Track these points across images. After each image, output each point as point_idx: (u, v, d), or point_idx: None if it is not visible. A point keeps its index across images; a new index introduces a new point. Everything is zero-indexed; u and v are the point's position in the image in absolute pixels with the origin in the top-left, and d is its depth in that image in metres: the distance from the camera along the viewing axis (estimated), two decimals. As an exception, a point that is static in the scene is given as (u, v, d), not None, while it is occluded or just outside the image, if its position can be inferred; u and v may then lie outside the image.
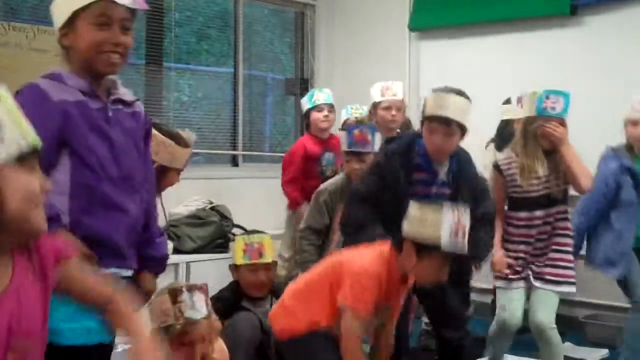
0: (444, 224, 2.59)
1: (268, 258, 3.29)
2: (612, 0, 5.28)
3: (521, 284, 3.70)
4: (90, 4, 2.05)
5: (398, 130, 4.41)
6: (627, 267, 4.05)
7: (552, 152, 3.61)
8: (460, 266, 3.25)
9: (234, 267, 3.40)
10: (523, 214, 3.64)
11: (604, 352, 4.73)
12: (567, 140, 3.60)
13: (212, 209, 5.22)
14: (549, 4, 5.52)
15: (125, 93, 2.23)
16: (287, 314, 2.84)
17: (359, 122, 4.00)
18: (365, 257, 2.77)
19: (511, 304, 3.69)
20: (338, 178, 3.88)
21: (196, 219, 5.12)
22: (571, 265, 3.68)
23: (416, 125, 4.90)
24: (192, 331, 2.43)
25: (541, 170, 3.60)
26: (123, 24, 2.10)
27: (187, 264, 4.64)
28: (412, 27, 6.29)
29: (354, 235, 3.14)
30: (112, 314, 1.66)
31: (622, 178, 4.06)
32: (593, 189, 3.83)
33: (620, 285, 4.16)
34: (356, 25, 6.60)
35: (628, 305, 4.42)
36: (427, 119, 3.23)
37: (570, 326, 4.94)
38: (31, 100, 1.98)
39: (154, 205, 2.38)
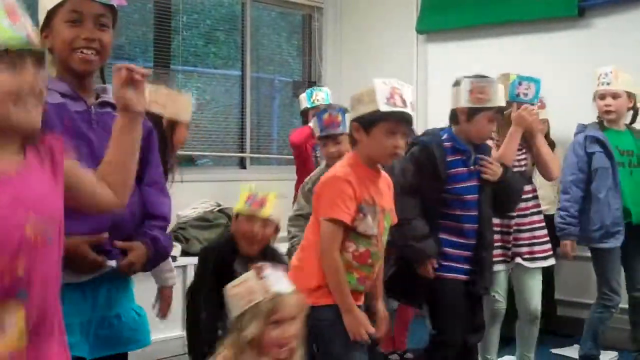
0: (377, 93, 2.65)
1: (268, 212, 3.22)
2: (619, 1, 5.28)
3: (502, 267, 3.81)
4: (62, 2, 2.03)
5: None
6: (623, 235, 4.11)
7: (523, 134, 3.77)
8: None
9: (235, 217, 3.36)
10: None
11: (614, 354, 4.71)
12: (538, 126, 3.84)
13: (220, 211, 5.24)
14: (556, 5, 5.50)
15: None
16: (299, 270, 2.78)
17: (327, 107, 4.14)
18: (329, 172, 2.80)
19: (502, 291, 3.85)
20: (319, 167, 3.97)
21: (204, 222, 5.13)
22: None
23: (421, 126, 4.91)
24: (282, 307, 2.24)
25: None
26: (98, 20, 2.06)
27: (195, 266, 4.65)
28: (420, 30, 6.28)
29: (401, 228, 3.12)
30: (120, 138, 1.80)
31: (591, 147, 4.14)
32: (567, 167, 4.10)
33: (595, 266, 4.22)
34: (363, 27, 6.60)
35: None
36: (490, 110, 3.29)
37: (579, 328, 4.92)
38: None
39: (159, 202, 2.28)
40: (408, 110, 2.70)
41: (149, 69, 5.72)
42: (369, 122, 2.68)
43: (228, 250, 3.28)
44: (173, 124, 3.11)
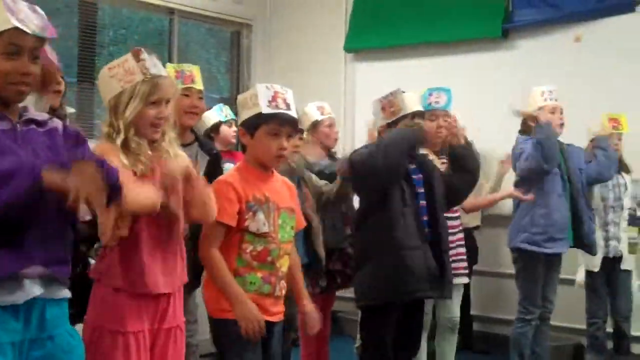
0: (259, 97, 2.73)
1: (200, 85, 3.35)
2: (541, 23, 5.43)
3: None
4: None
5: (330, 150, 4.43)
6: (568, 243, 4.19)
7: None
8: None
9: None
10: None
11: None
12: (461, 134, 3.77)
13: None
14: (481, 27, 5.64)
15: (37, 114, 2.19)
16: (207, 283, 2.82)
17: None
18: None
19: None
20: None
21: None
22: None
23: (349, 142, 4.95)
24: (160, 89, 2.42)
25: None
26: (32, 53, 2.06)
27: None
28: (348, 48, 6.34)
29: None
30: None
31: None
32: (527, 170, 4.12)
33: (521, 275, 4.27)
34: (292, 45, 6.62)
35: (562, 324, 4.50)
36: (404, 118, 3.40)
37: (494, 345, 4.99)
38: None
39: None
40: (291, 113, 2.77)
41: (73, 84, 5.63)
42: (252, 125, 2.75)
43: None
44: None
